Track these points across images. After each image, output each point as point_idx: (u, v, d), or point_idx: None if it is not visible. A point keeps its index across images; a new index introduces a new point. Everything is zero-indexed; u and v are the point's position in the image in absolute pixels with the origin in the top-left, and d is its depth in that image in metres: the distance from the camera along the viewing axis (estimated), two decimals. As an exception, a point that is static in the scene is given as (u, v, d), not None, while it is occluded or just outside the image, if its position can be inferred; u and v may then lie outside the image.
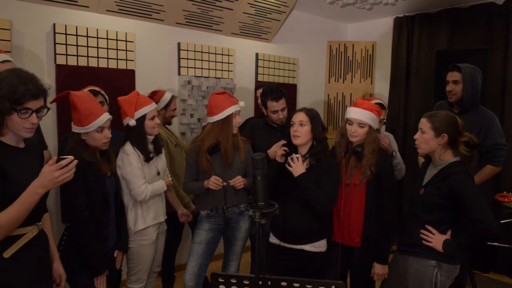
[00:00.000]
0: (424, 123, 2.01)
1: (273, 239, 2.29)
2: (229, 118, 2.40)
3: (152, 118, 2.33)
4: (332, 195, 2.14)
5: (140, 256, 2.35)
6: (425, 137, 2.00)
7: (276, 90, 2.77)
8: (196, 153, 2.44)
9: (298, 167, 2.09)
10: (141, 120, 2.29)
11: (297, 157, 2.12)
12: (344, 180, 2.23)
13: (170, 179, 2.57)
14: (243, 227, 2.56)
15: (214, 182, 2.33)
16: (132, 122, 2.26)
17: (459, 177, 1.89)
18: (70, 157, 1.49)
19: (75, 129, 1.99)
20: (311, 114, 2.19)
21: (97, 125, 1.97)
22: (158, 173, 2.42)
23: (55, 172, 1.45)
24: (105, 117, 2.01)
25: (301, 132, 2.16)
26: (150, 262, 2.41)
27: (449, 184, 1.90)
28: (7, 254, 1.50)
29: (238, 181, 2.39)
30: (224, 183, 2.37)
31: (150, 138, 2.39)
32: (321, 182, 2.14)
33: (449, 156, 1.99)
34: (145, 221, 2.34)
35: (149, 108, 2.32)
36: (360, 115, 2.19)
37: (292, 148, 2.24)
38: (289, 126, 2.22)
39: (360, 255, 2.22)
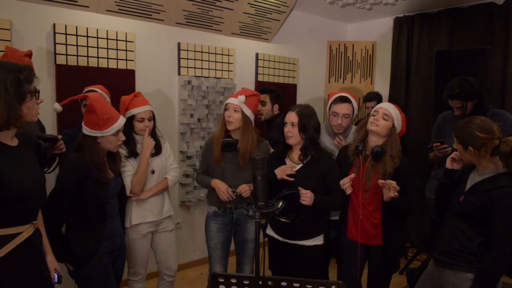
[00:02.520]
0: (454, 138, 1.98)
1: (270, 232, 2.32)
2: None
3: (141, 121, 2.37)
4: (341, 193, 2.18)
5: (133, 250, 2.42)
6: (460, 151, 1.97)
7: None
8: (210, 144, 2.48)
9: (308, 198, 2.08)
10: (129, 120, 2.34)
11: (306, 193, 2.08)
12: (362, 186, 2.18)
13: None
14: (252, 229, 2.54)
15: (225, 193, 2.34)
16: None
17: (506, 194, 1.79)
18: None
19: (90, 132, 1.96)
20: (302, 113, 2.18)
21: (115, 129, 1.99)
22: (153, 172, 2.45)
23: None
24: (122, 121, 2.05)
25: (293, 133, 2.19)
26: (144, 256, 2.48)
27: (492, 197, 1.81)
28: (0, 253, 1.46)
29: (244, 190, 2.36)
30: (234, 196, 2.36)
31: (138, 137, 2.42)
32: (329, 184, 2.19)
33: (493, 165, 1.88)
34: (138, 218, 2.39)
35: (139, 110, 2.36)
36: (388, 106, 2.20)
37: (286, 145, 2.29)
38: (284, 124, 2.25)
39: (381, 253, 2.22)
